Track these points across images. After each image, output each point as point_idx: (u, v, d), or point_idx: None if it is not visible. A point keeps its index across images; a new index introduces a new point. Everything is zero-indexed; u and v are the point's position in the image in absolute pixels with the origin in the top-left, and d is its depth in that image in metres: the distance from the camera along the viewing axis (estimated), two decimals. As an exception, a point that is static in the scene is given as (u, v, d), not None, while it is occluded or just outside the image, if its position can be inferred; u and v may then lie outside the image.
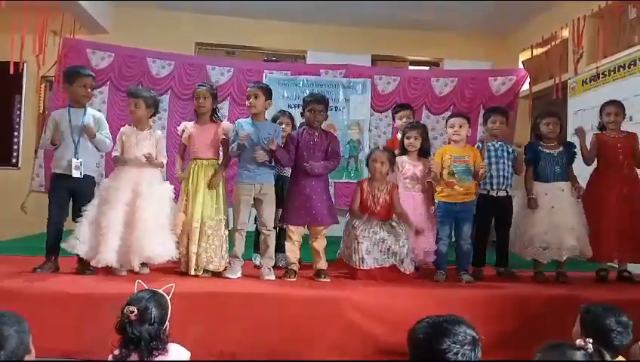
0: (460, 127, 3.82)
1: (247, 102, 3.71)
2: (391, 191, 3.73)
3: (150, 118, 3.74)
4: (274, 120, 4.14)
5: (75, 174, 3.48)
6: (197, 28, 7.18)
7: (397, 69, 7.42)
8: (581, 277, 4.01)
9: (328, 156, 3.72)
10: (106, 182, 3.61)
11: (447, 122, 3.98)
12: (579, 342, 1.63)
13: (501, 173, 4.00)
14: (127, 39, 6.42)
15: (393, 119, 4.67)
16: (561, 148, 4.00)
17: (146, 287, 2.14)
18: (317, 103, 3.72)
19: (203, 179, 3.59)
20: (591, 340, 1.62)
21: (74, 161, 3.48)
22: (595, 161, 4.14)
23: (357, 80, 6.72)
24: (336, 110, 6.57)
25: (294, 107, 6.38)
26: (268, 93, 3.71)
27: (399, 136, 4.15)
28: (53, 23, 5.93)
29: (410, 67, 7.78)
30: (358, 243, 3.57)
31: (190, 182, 3.60)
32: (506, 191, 4.03)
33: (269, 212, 3.64)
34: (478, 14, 6.86)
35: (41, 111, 6.88)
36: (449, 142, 3.94)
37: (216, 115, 3.79)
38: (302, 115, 3.81)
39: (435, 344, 1.54)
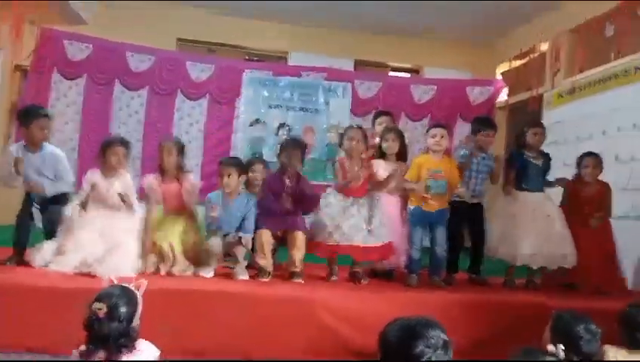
0: (442, 137, 3.79)
1: (220, 181, 3.58)
2: (367, 167, 3.72)
3: None
4: (249, 164, 4.03)
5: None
6: (179, 23, 7.10)
7: (378, 74, 7.45)
8: (550, 285, 4.06)
9: (304, 201, 3.64)
10: (74, 214, 3.41)
11: (427, 131, 3.95)
12: (550, 348, 1.66)
13: (477, 187, 4.07)
14: (107, 32, 6.29)
15: (373, 125, 4.65)
16: (542, 159, 4.08)
17: (116, 283, 2.10)
18: (294, 148, 3.68)
19: (172, 229, 3.53)
20: (562, 346, 1.64)
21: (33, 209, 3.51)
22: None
23: (338, 83, 6.71)
24: (316, 112, 6.57)
25: (274, 107, 6.38)
26: (242, 168, 3.65)
27: (377, 140, 4.15)
28: (30, 13, 5.79)
29: (391, 73, 7.83)
30: (331, 218, 3.55)
31: (160, 231, 3.53)
32: (478, 199, 4.08)
33: (249, 225, 3.59)
34: (460, 23, 6.96)
35: (14, 101, 6.71)
36: (426, 151, 3.94)
37: (182, 170, 3.67)
38: (277, 156, 3.76)
39: (408, 348, 1.53)
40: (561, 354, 1.63)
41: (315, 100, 6.58)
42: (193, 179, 3.73)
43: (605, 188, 4.09)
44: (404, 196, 3.93)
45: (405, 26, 7.14)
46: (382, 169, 3.88)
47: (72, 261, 3.20)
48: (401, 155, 4.01)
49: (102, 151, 3.50)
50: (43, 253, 3.28)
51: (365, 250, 3.58)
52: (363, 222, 3.59)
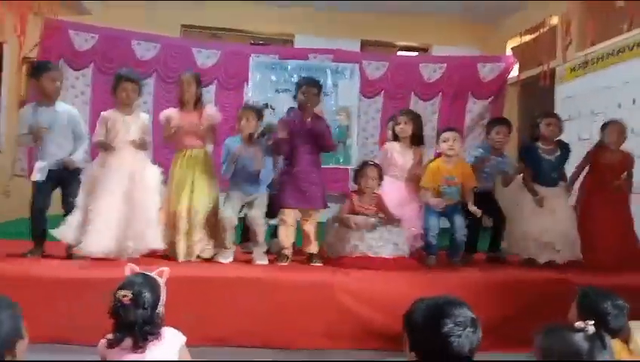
0: (454, 140, 3.72)
1: (237, 125, 3.59)
2: (378, 204, 3.68)
3: None
4: (262, 134, 3.93)
5: (37, 178, 3.37)
6: (183, 10, 7.05)
7: (385, 54, 7.37)
8: (571, 261, 4.03)
9: (323, 142, 3.64)
10: (94, 168, 3.47)
11: (439, 136, 3.86)
12: (579, 324, 1.63)
13: (486, 184, 3.99)
14: (112, 20, 6.26)
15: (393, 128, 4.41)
16: (558, 153, 3.93)
17: (139, 271, 2.09)
18: (310, 86, 3.65)
19: (192, 168, 3.52)
20: (592, 322, 1.62)
21: (37, 163, 3.40)
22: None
23: (345, 65, 6.65)
24: (324, 95, 6.50)
25: (282, 91, 6.33)
26: (259, 114, 3.64)
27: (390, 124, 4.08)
28: (34, 4, 5.76)
29: (399, 53, 7.74)
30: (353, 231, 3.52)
31: (178, 171, 3.53)
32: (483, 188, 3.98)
33: (259, 212, 3.57)
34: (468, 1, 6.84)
35: (22, 94, 6.70)
36: (439, 156, 3.85)
37: (201, 101, 3.69)
38: (294, 97, 3.74)
39: (437, 327, 1.52)
40: (591, 330, 1.61)
41: (323, 83, 6.48)
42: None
43: (628, 158, 4.01)
44: (417, 180, 3.87)
45: (411, 5, 7.03)
46: (396, 153, 3.85)
47: (101, 244, 3.23)
48: (416, 138, 3.97)
49: (112, 88, 3.50)
50: (72, 231, 3.29)
51: (387, 261, 3.51)
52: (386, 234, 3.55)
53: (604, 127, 4.04)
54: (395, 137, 3.93)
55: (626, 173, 4.01)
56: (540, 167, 3.91)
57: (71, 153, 3.51)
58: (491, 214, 4.05)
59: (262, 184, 3.63)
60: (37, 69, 3.55)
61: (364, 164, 3.77)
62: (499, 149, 4.02)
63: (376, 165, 3.77)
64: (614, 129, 3.97)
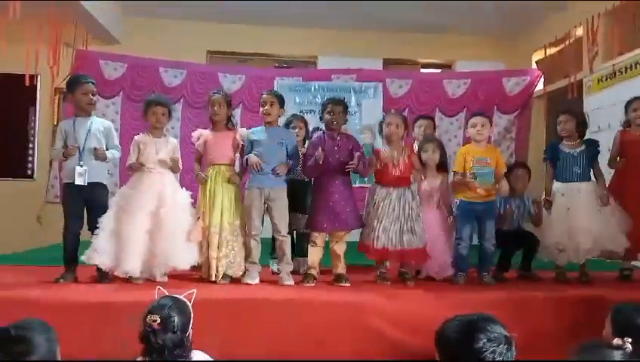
0: (482, 126, 3.74)
1: (261, 110, 3.70)
2: (409, 156, 3.66)
3: None
4: (287, 124, 4.13)
5: (79, 181, 3.45)
6: (208, 36, 7.23)
7: (408, 72, 7.38)
8: (604, 277, 3.93)
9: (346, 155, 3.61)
10: (125, 191, 3.60)
11: (467, 122, 3.92)
12: (616, 341, 1.58)
13: (512, 223, 3.97)
14: (140, 49, 6.45)
15: (412, 129, 4.45)
16: (582, 147, 3.87)
17: (167, 294, 2.12)
18: (336, 105, 3.68)
19: (221, 184, 3.59)
20: (629, 339, 1.57)
21: (77, 168, 3.46)
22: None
23: (368, 84, 6.68)
24: (348, 115, 6.53)
25: (307, 112, 6.35)
26: (282, 101, 3.73)
27: (416, 147, 4.07)
28: (66, 35, 5.98)
29: (422, 70, 7.74)
30: (378, 221, 3.52)
31: (208, 188, 3.59)
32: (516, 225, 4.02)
33: (282, 218, 3.60)
34: (490, 15, 6.83)
35: (55, 123, 6.93)
36: (468, 142, 3.88)
37: (231, 122, 3.79)
38: (321, 118, 3.78)
39: (470, 342, 1.49)
40: (629, 347, 1.55)
41: (347, 102, 6.53)
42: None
43: None
44: (445, 206, 3.90)
45: (433, 22, 7.06)
46: (424, 183, 3.83)
47: (131, 266, 3.32)
48: (442, 166, 3.96)
49: (143, 112, 3.64)
50: (99, 253, 3.35)
51: (407, 253, 3.54)
52: (405, 220, 3.54)
53: (627, 105, 4.01)
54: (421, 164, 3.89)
55: None
56: (561, 161, 3.87)
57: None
58: (523, 238, 4.00)
59: (281, 177, 3.64)
60: (71, 84, 3.67)
61: (386, 114, 3.88)
62: (517, 189, 4.01)
63: (397, 112, 3.88)
64: (637, 104, 3.94)
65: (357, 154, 3.53)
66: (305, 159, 3.68)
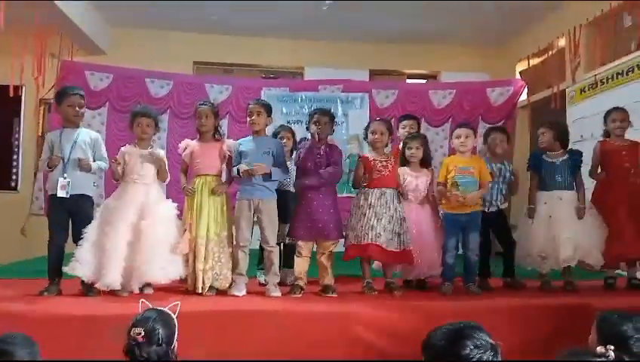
0: (467, 137, 3.80)
1: (248, 120, 3.70)
2: (394, 157, 3.73)
3: None
4: (275, 135, 4.14)
5: (61, 194, 3.42)
6: (194, 47, 7.22)
7: (394, 82, 7.45)
8: (589, 285, 3.96)
9: (327, 165, 3.67)
10: (109, 202, 3.57)
11: (452, 133, 3.97)
12: (600, 349, 1.59)
13: (494, 193, 3.98)
14: (125, 60, 6.44)
15: (397, 128, 4.61)
16: (565, 157, 3.95)
17: (151, 307, 2.10)
18: (322, 115, 3.72)
19: (207, 195, 3.58)
20: (612, 347, 1.58)
21: (60, 180, 3.43)
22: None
23: (355, 95, 6.73)
24: (335, 125, 6.55)
25: (294, 123, 6.37)
26: (269, 110, 3.73)
27: (400, 145, 4.11)
28: (51, 46, 5.95)
29: (408, 80, 7.81)
30: (378, 219, 3.54)
31: (195, 199, 3.58)
32: (497, 206, 4.01)
33: (271, 229, 3.60)
34: (474, 26, 6.92)
35: (40, 134, 6.87)
36: (453, 153, 3.92)
37: (218, 132, 3.79)
38: (307, 128, 3.80)
39: (457, 349, 1.50)
40: (612, 355, 1.57)
41: (333, 113, 6.57)
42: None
43: (638, 145, 3.98)
44: (434, 203, 3.91)
45: (418, 33, 7.13)
46: (408, 176, 3.85)
47: (111, 278, 3.27)
48: (425, 162, 3.99)
49: (130, 123, 3.65)
50: (82, 265, 3.32)
51: (388, 253, 3.57)
52: (392, 219, 3.57)
53: (606, 115, 4.08)
54: (404, 161, 3.93)
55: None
56: (544, 170, 3.94)
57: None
58: (501, 238, 4.05)
59: (271, 188, 3.66)
60: (59, 95, 3.66)
61: (371, 122, 3.97)
62: (497, 155, 4.06)
63: (383, 119, 3.94)
64: (617, 116, 4.01)
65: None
66: (297, 172, 3.71)
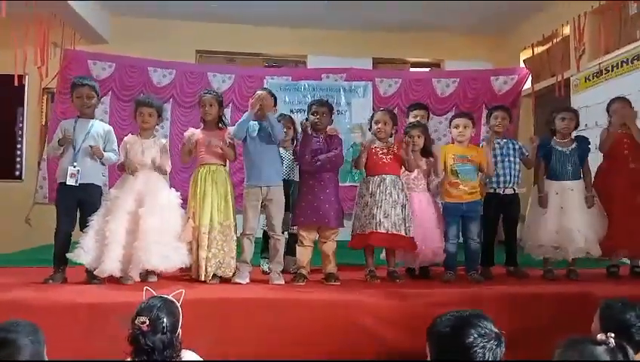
0: (465, 127, 3.81)
1: (250, 101, 3.65)
2: (398, 147, 3.71)
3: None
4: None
5: (70, 182, 3.44)
6: (197, 36, 7.19)
7: (398, 71, 7.42)
8: (592, 274, 3.97)
9: (332, 158, 3.67)
10: (112, 192, 3.60)
11: (450, 122, 3.96)
12: (600, 336, 1.60)
13: (507, 171, 3.97)
14: (128, 49, 6.43)
15: (407, 117, 4.55)
16: (574, 145, 3.94)
17: (155, 294, 2.11)
18: (320, 106, 3.72)
19: (211, 184, 3.58)
20: (612, 335, 1.58)
21: (70, 168, 3.45)
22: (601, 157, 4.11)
23: (358, 83, 6.71)
24: (338, 114, 6.53)
25: (296, 112, 6.38)
26: (274, 99, 3.74)
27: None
28: (54, 35, 5.94)
29: (412, 69, 7.77)
30: (378, 207, 3.54)
31: (198, 187, 3.59)
32: (513, 189, 3.99)
33: (278, 216, 3.62)
34: (478, 14, 6.86)
35: (43, 124, 6.88)
36: (452, 142, 3.92)
37: (223, 122, 3.79)
38: (306, 119, 3.80)
39: (461, 337, 1.51)
40: (612, 342, 1.57)
41: (336, 102, 6.57)
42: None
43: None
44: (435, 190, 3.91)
45: (421, 22, 7.07)
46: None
47: (113, 265, 3.30)
48: (426, 151, 3.98)
49: (133, 112, 3.67)
50: (87, 253, 3.34)
51: (394, 237, 3.57)
52: (396, 205, 3.57)
53: (609, 105, 4.08)
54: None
55: None
56: (553, 159, 3.92)
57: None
58: (509, 226, 4.04)
59: (279, 174, 3.68)
60: (71, 87, 3.67)
61: (375, 112, 3.98)
62: (500, 133, 4.05)
63: (387, 110, 3.97)
64: (619, 104, 4.01)
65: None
66: (299, 154, 3.70)
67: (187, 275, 3.63)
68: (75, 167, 3.47)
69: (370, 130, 3.89)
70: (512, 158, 4.00)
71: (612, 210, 3.87)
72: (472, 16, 6.94)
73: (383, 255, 3.84)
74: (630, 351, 1.59)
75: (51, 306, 2.83)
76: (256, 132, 3.59)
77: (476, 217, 3.79)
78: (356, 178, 6.49)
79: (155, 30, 6.98)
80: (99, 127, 3.65)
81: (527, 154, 4.07)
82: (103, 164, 3.66)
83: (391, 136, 3.81)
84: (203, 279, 3.47)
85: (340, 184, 3.93)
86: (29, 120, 6.97)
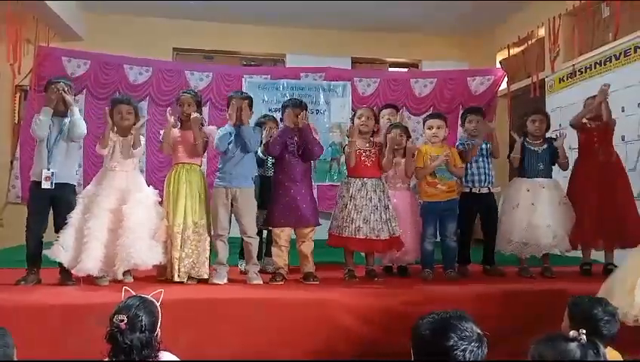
0: (438, 128, 3.87)
1: (228, 111, 3.66)
2: (378, 148, 3.75)
3: None
4: (259, 124, 4.11)
5: (45, 185, 3.38)
6: (174, 33, 7.11)
7: (376, 70, 7.46)
8: (566, 272, 4.05)
9: (309, 150, 3.64)
10: (89, 189, 3.53)
11: (424, 123, 3.99)
12: (572, 333, 1.63)
13: (481, 171, 4.04)
14: (103, 46, 6.33)
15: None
16: (545, 146, 4.04)
17: (134, 294, 2.09)
18: (295, 107, 3.68)
19: (185, 183, 3.56)
20: (584, 331, 1.62)
21: (44, 171, 3.40)
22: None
23: (337, 83, 6.73)
24: (317, 113, 6.57)
25: (275, 111, 6.35)
26: (251, 102, 3.73)
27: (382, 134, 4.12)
28: (27, 32, 5.82)
29: (390, 69, 7.82)
30: (358, 212, 3.56)
31: (172, 187, 3.56)
32: (488, 188, 4.05)
33: (249, 219, 3.60)
34: (455, 15, 6.93)
35: (16, 122, 6.73)
36: (426, 143, 3.96)
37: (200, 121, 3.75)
38: (281, 119, 3.79)
39: (441, 340, 1.51)
40: (584, 339, 1.61)
41: (315, 101, 6.59)
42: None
43: (608, 125, 4.09)
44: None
45: (399, 22, 7.11)
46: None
47: (92, 264, 3.24)
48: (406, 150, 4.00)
49: (110, 111, 3.59)
50: (64, 250, 3.29)
51: (374, 243, 3.59)
52: (376, 210, 3.59)
53: (585, 103, 4.23)
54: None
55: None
56: (527, 157, 4.01)
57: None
58: (487, 224, 4.09)
59: (249, 177, 3.66)
60: (46, 85, 3.61)
61: (357, 109, 4.06)
62: (475, 136, 4.09)
63: (369, 107, 4.05)
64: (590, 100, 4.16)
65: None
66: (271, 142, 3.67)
67: (163, 276, 3.58)
68: (49, 170, 3.41)
69: (351, 125, 3.85)
70: (484, 158, 4.06)
71: (584, 206, 3.95)
72: (449, 18, 7.01)
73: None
74: (601, 347, 1.63)
75: (23, 308, 2.78)
76: (232, 137, 3.58)
77: (453, 216, 3.84)
78: (335, 177, 6.51)
79: (131, 27, 6.88)
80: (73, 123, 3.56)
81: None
82: (73, 136, 3.53)
83: (372, 136, 3.81)
84: (176, 279, 3.42)
85: (318, 183, 3.94)
86: (1, 118, 6.80)
